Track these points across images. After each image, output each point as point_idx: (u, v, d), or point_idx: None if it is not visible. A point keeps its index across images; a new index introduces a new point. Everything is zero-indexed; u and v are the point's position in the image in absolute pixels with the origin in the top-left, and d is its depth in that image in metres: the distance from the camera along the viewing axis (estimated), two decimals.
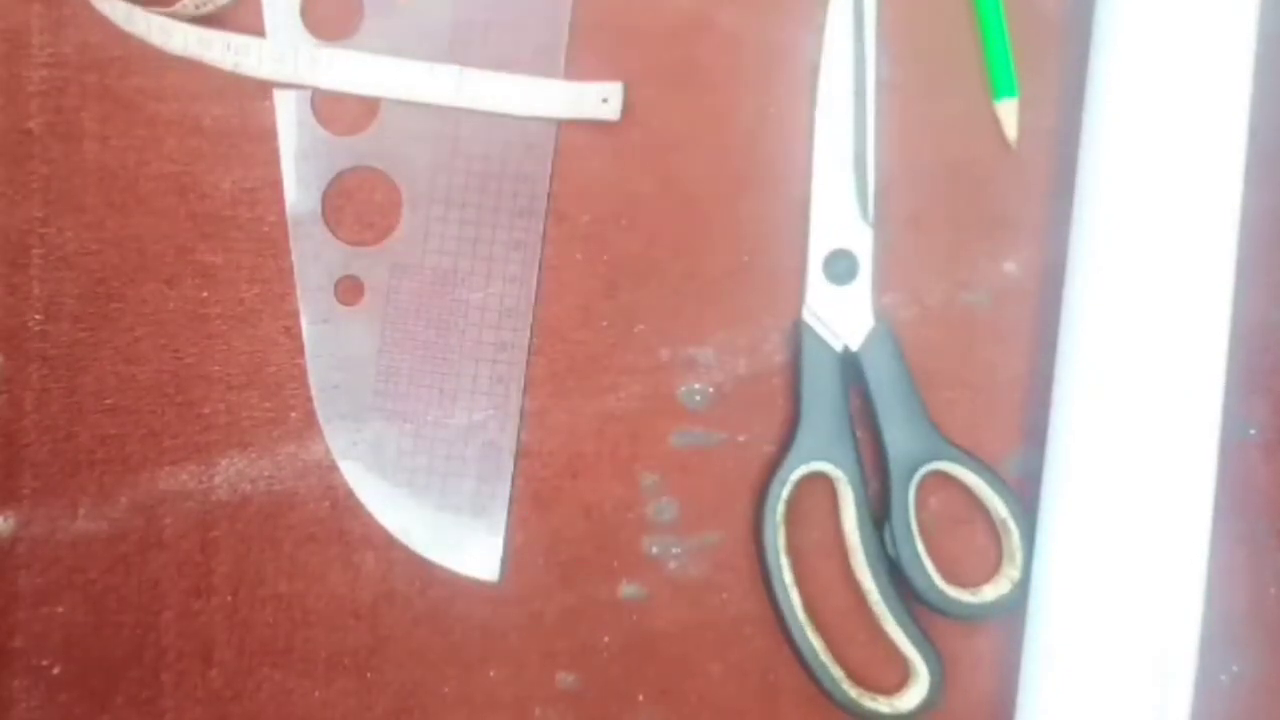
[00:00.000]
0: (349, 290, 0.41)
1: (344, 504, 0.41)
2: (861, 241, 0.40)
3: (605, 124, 0.41)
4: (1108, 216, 0.37)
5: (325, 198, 0.41)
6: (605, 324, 0.41)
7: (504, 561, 0.41)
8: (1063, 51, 0.41)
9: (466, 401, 0.41)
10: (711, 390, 0.41)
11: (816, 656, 0.39)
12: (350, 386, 0.41)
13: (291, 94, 0.40)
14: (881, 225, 0.40)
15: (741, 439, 0.41)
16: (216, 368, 0.41)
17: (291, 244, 0.41)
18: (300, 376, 0.41)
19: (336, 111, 0.41)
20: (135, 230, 0.41)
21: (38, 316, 0.41)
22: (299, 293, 0.41)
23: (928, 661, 0.39)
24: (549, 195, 0.41)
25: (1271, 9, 0.37)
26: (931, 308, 0.41)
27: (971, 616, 0.40)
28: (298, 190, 0.41)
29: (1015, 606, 0.39)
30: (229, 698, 0.41)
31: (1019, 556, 0.39)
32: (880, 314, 0.40)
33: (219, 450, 0.41)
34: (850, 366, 0.40)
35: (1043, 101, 0.41)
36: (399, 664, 0.41)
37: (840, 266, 0.40)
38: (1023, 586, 0.39)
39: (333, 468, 0.41)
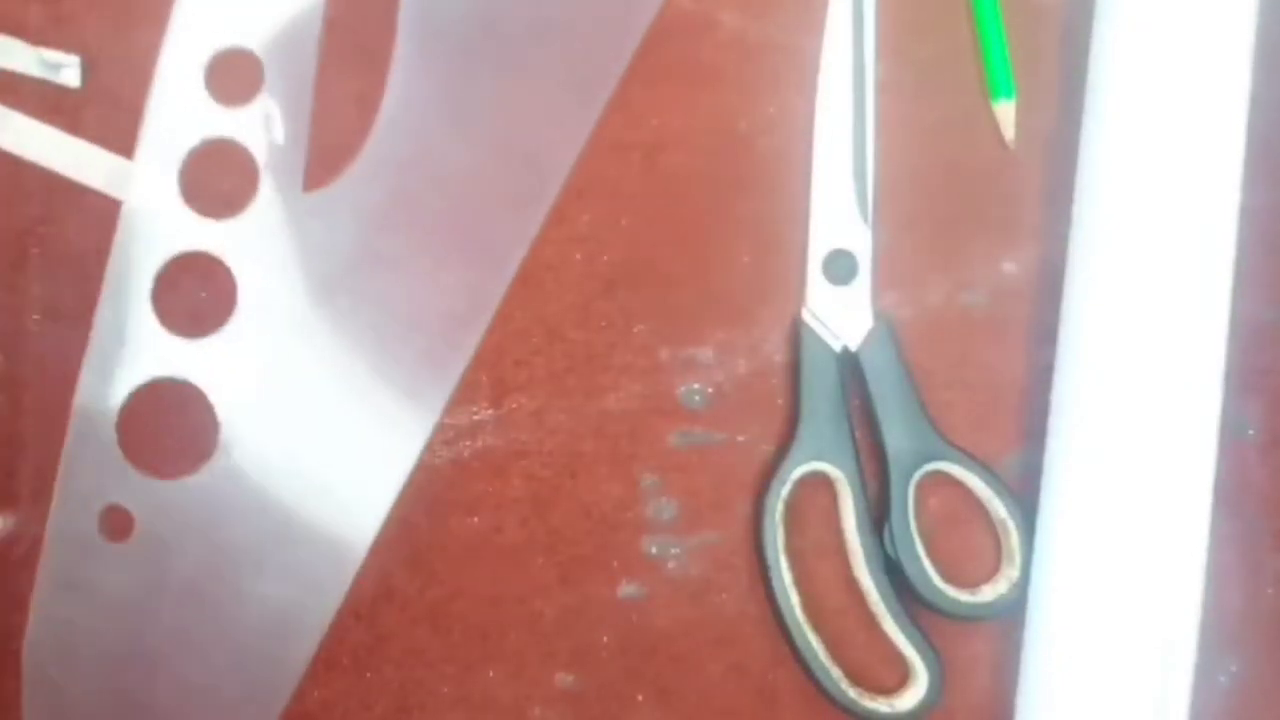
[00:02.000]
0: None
1: None
2: (861, 242, 0.40)
3: (603, 124, 0.41)
4: (1107, 216, 0.38)
5: (125, 405, 0.36)
6: (605, 324, 0.41)
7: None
8: (1061, 52, 0.41)
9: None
10: (711, 390, 0.41)
11: (816, 656, 0.39)
12: (88, 631, 0.34)
13: (133, 261, 0.35)
14: (881, 225, 0.41)
15: (741, 439, 0.41)
16: None
17: (67, 443, 0.35)
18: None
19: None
20: None
21: (36, 317, 0.41)
22: (52, 508, 0.35)
23: (927, 661, 0.39)
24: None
25: (1271, 9, 0.37)
26: (931, 308, 0.41)
27: (971, 616, 0.40)
28: (97, 385, 0.35)
29: (1014, 607, 0.39)
30: None
31: (1018, 556, 0.39)
32: (879, 314, 0.40)
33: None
34: (850, 366, 0.40)
35: (1041, 102, 0.41)
36: (398, 664, 0.41)
37: (840, 266, 0.40)
38: (1022, 586, 0.39)
39: None
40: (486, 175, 0.34)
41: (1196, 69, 0.36)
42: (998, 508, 0.40)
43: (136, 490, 0.34)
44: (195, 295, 0.38)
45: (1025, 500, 0.40)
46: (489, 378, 0.41)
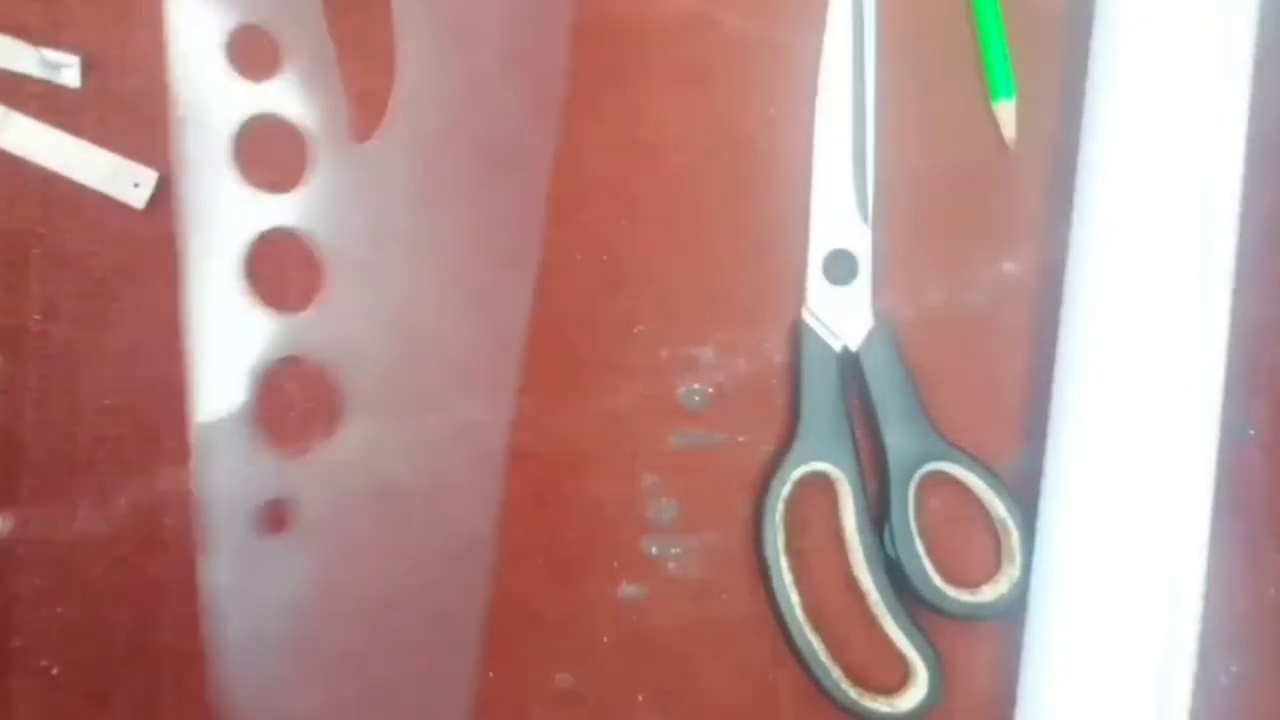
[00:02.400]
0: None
1: None
2: (861, 242, 0.40)
3: (603, 124, 0.41)
4: (1107, 217, 0.38)
5: (252, 395, 0.36)
6: (605, 324, 0.41)
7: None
8: (1061, 52, 0.41)
9: (412, 648, 0.35)
10: (711, 390, 0.41)
11: (816, 656, 0.39)
12: (267, 644, 0.34)
13: (215, 256, 0.35)
14: (881, 226, 0.41)
15: (741, 439, 0.41)
16: None
17: (195, 461, 0.35)
18: (298, 376, 0.40)
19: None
20: (134, 230, 0.41)
21: (36, 316, 0.41)
22: (205, 523, 0.34)
23: (927, 661, 0.39)
24: (515, 399, 0.38)
25: (1271, 9, 0.37)
26: (931, 308, 0.41)
27: (971, 616, 0.40)
28: (216, 388, 0.34)
29: (1015, 606, 0.39)
30: None
31: (1018, 556, 0.39)
32: (880, 314, 0.40)
33: None
34: (850, 366, 0.40)
35: (1041, 102, 0.41)
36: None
37: (840, 267, 0.40)
38: (1022, 586, 0.39)
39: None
40: (494, 89, 0.36)
41: (1197, 69, 0.36)
42: (998, 507, 0.40)
43: (283, 476, 0.34)
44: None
45: (1025, 500, 0.40)
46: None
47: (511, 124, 0.35)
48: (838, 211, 0.40)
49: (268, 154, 0.38)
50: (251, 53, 0.37)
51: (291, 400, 0.38)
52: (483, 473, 0.35)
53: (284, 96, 0.34)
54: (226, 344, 0.34)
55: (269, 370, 0.36)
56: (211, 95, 0.34)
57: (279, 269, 0.39)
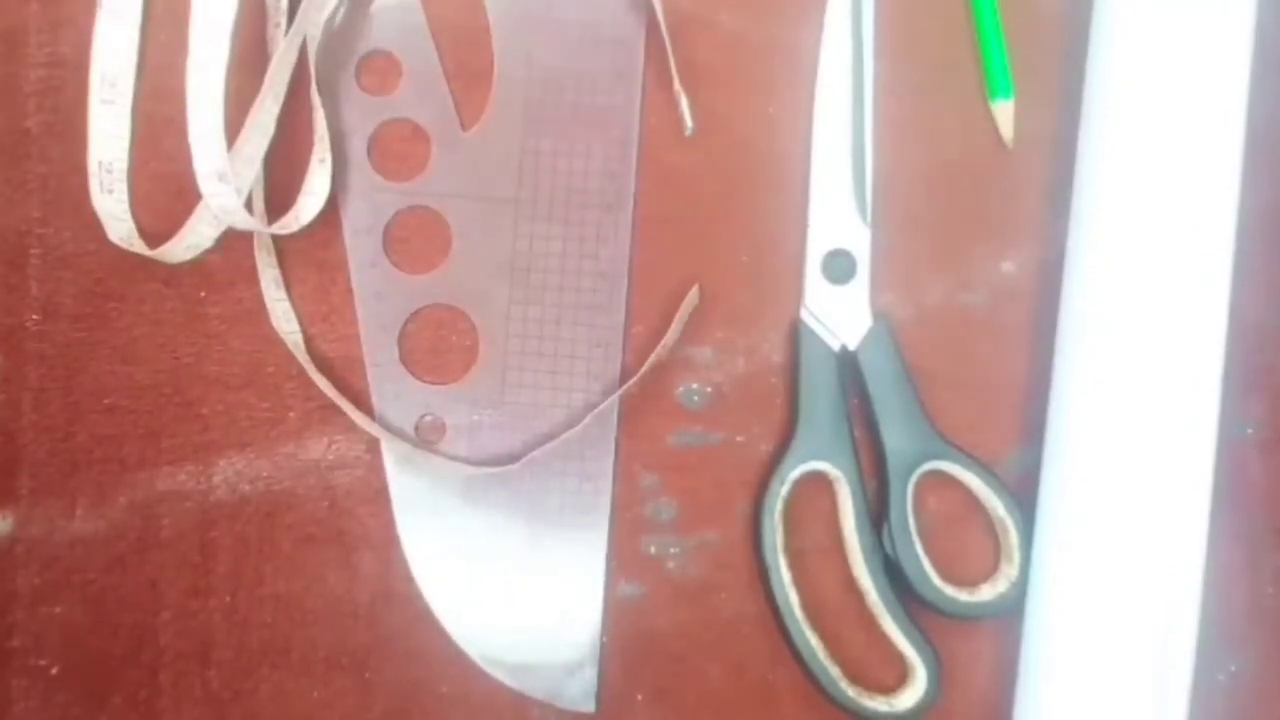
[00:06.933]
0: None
1: (342, 504, 0.41)
2: (860, 241, 0.40)
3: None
4: (1105, 216, 0.38)
5: (401, 335, 0.41)
6: None
7: (598, 692, 0.41)
8: (1060, 52, 0.41)
9: (554, 536, 0.40)
10: (710, 390, 0.41)
11: (815, 656, 0.39)
12: (437, 525, 0.40)
13: (364, 234, 0.40)
14: (879, 225, 0.41)
15: (740, 439, 0.41)
16: (214, 368, 0.41)
17: (370, 385, 0.41)
18: (298, 376, 0.41)
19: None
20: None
21: (35, 316, 0.41)
22: (381, 434, 0.40)
23: (925, 660, 0.39)
24: (625, 332, 0.41)
25: (1270, 9, 0.37)
26: (929, 307, 0.41)
27: (969, 616, 0.40)
28: (373, 330, 0.41)
29: (1013, 606, 0.39)
30: (227, 698, 0.41)
31: (1017, 556, 0.39)
32: (878, 313, 0.40)
33: (217, 450, 0.41)
34: (848, 366, 0.40)
35: (1040, 102, 0.41)
36: (398, 664, 0.41)
37: (838, 266, 0.40)
38: (1020, 586, 0.39)
39: (331, 467, 0.41)
40: (580, 63, 0.41)
41: (1195, 69, 0.36)
42: (996, 507, 0.40)
43: (435, 399, 0.41)
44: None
45: (1024, 499, 0.40)
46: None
47: (599, 91, 0.41)
48: (836, 211, 0.40)
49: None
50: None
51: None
52: (598, 393, 0.41)
53: (405, 103, 0.41)
54: (377, 299, 0.41)
55: (413, 317, 0.41)
56: (349, 109, 0.41)
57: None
